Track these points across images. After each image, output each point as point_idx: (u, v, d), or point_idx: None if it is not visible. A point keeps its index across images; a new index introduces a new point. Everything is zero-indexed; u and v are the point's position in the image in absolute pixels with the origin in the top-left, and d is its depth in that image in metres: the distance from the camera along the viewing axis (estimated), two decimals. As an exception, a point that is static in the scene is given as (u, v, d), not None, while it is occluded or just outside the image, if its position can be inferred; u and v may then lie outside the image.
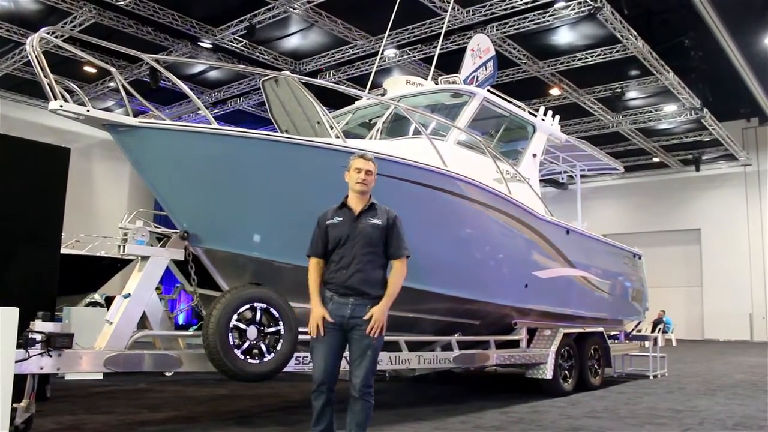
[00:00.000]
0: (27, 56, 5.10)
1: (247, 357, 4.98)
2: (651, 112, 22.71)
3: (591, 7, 14.92)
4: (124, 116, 4.88)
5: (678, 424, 6.21)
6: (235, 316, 4.95)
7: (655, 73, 18.64)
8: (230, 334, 4.91)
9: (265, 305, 5.12)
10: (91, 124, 4.80)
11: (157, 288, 5.75)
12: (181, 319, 19.24)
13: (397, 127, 7.88)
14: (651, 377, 10.86)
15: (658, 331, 12.30)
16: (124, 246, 5.23)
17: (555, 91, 20.81)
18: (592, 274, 9.41)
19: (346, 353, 4.14)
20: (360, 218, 4.13)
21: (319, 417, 3.98)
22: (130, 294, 5.08)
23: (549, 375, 8.00)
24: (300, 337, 5.34)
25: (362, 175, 4.13)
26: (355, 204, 4.17)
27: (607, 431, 5.84)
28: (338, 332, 4.03)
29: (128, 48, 5.37)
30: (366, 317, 4.00)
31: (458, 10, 15.60)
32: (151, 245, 5.44)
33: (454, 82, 8.26)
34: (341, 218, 4.14)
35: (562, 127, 9.68)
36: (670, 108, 22.17)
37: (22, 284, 5.22)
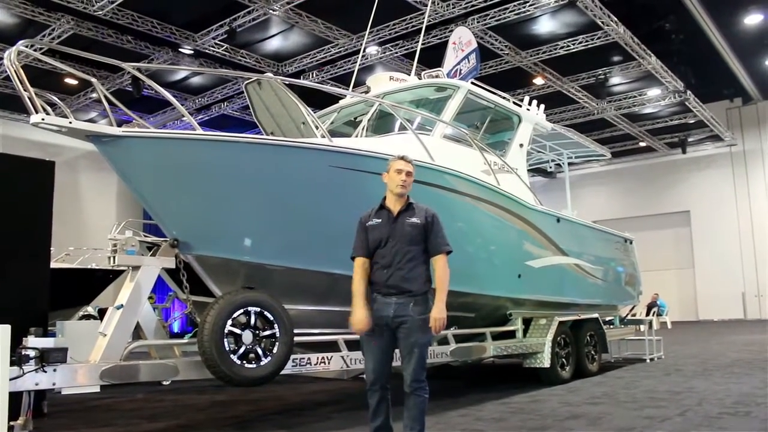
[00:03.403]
0: (6, 71, 5.06)
1: (244, 362, 4.96)
2: (635, 96, 22.84)
3: (570, -6, 14.99)
4: (107, 126, 4.84)
5: (677, 406, 6.24)
6: (229, 322, 4.93)
7: (637, 58, 18.73)
8: (226, 339, 4.90)
9: (259, 309, 5.11)
10: (74, 136, 4.76)
11: (150, 297, 5.72)
12: (175, 328, 19.16)
13: (382, 124, 7.86)
14: (648, 360, 10.91)
15: (653, 314, 12.34)
16: (114, 257, 5.21)
17: (539, 81, 20.88)
18: (585, 260, 9.44)
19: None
20: (398, 218, 4.19)
21: (375, 412, 4.15)
22: (122, 305, 5.06)
23: (546, 364, 8.01)
24: (296, 339, 5.35)
25: (403, 176, 4.19)
26: (393, 205, 4.24)
27: (607, 416, 5.86)
28: (386, 332, 4.13)
29: (109, 58, 5.33)
30: (425, 315, 4.05)
31: (438, 3, 15.60)
32: (142, 255, 5.42)
33: (437, 77, 8.23)
34: (380, 219, 4.21)
35: (547, 115, 9.68)
36: (653, 92, 22.30)
37: (12, 300, 5.18)
